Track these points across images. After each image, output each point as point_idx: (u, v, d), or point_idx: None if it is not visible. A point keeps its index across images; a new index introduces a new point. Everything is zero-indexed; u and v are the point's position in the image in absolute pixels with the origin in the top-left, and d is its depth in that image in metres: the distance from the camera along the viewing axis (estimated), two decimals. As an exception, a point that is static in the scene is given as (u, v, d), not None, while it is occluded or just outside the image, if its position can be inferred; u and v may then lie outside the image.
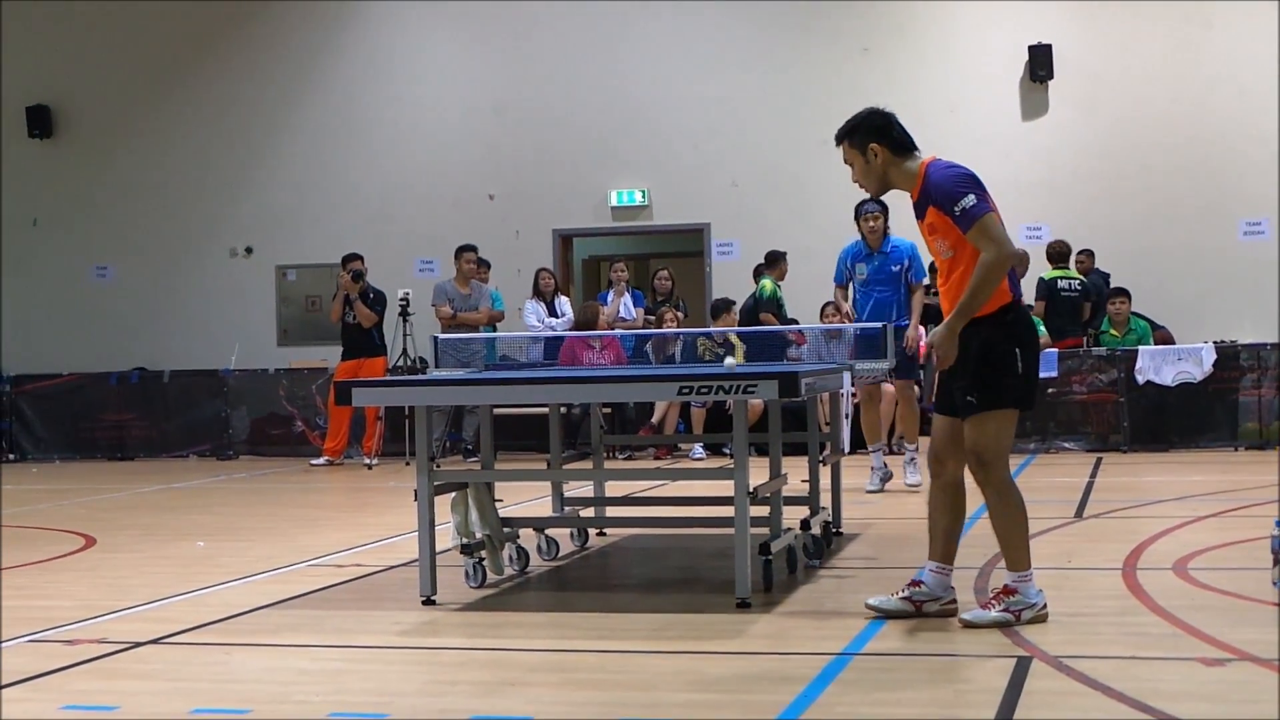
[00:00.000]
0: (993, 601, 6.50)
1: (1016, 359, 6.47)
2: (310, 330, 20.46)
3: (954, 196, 6.42)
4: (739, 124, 19.50)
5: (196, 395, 18.57)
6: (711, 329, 16.11)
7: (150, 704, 5.47)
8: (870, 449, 12.43)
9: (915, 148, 6.69)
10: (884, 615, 6.65)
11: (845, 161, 6.78)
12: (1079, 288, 17.14)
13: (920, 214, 6.62)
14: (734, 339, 15.56)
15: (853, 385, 11.26)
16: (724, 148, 19.55)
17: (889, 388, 12.99)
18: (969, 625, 6.42)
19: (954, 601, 6.70)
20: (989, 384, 6.44)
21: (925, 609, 6.66)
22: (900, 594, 6.73)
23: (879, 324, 10.51)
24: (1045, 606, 6.51)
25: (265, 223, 20.93)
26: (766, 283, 17.13)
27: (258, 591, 7.95)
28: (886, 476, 12.17)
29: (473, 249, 17.32)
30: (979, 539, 7.53)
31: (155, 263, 21.17)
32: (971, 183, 6.49)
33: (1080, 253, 17.81)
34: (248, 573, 8.60)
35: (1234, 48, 18.63)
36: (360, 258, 16.82)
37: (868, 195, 7.26)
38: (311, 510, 12.60)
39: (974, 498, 6.78)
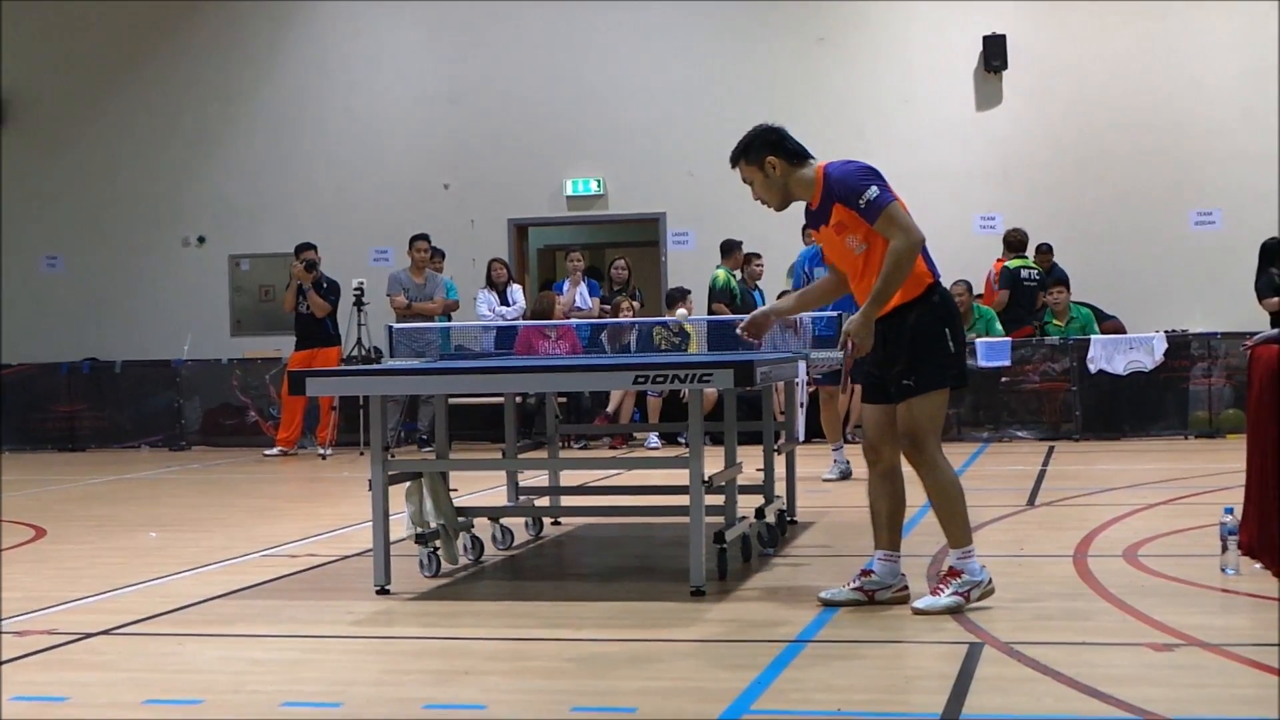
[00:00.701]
0: (940, 586, 6.57)
1: (947, 338, 6.59)
2: (264, 320, 20.36)
3: (858, 190, 6.51)
4: (695, 113, 19.50)
5: (149, 385, 18.49)
6: (667, 318, 16.12)
7: (102, 695, 5.45)
8: (831, 448, 12.40)
9: (810, 156, 6.76)
10: (836, 606, 6.69)
11: (744, 181, 6.84)
12: (1037, 277, 17.26)
13: (824, 218, 6.68)
14: (688, 327, 15.58)
15: (807, 375, 11.26)
16: (680, 137, 19.54)
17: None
18: (922, 613, 6.47)
19: (905, 588, 6.75)
20: (925, 365, 6.53)
21: (878, 597, 6.71)
22: (851, 585, 6.78)
23: (835, 313, 10.54)
24: (991, 581, 6.60)
25: (219, 212, 20.80)
26: (720, 273, 17.14)
27: (210, 582, 7.93)
28: (846, 472, 12.17)
29: (425, 238, 17.30)
30: (929, 527, 7.56)
31: (107, 252, 21.02)
32: (872, 175, 6.59)
33: (1039, 247, 17.88)
34: (200, 563, 8.57)
35: (1187, 39, 18.73)
36: (314, 247, 16.77)
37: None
38: (265, 500, 12.56)
39: (917, 489, 6.83)
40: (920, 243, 6.49)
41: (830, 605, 6.71)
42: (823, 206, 6.64)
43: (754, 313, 7.15)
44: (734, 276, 17.11)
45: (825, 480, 12.05)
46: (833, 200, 6.58)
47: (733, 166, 6.85)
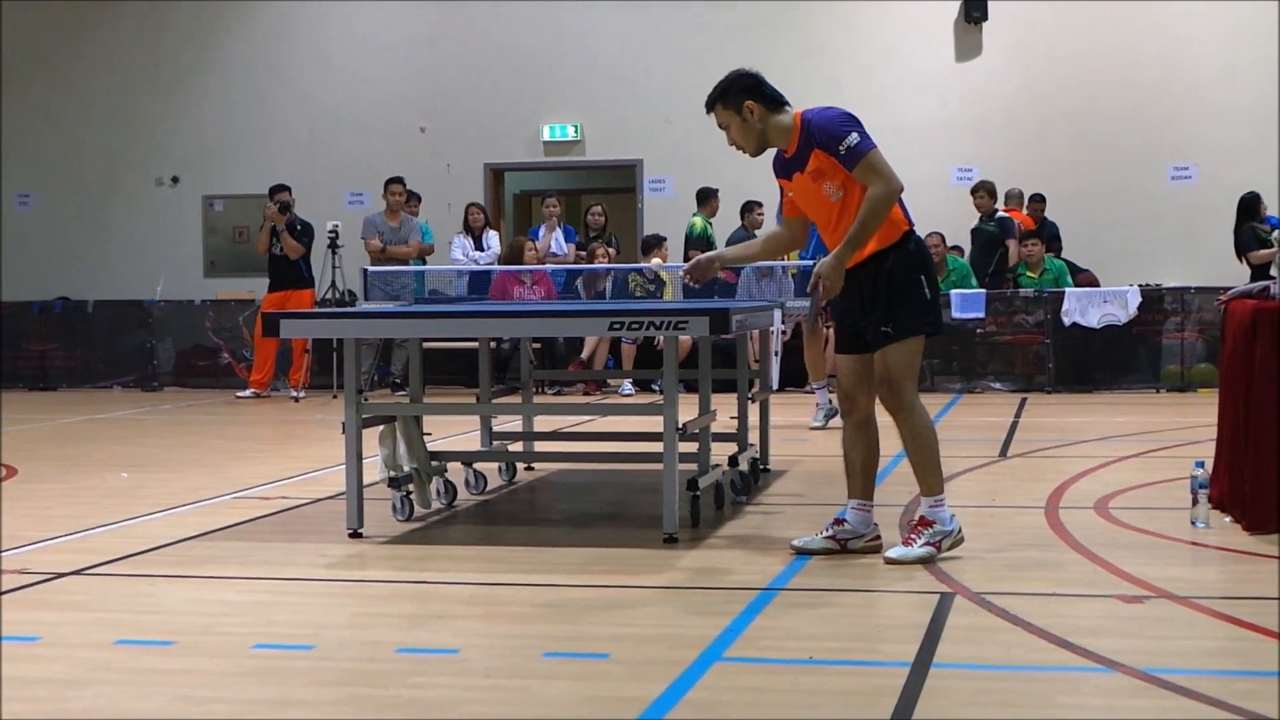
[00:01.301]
0: (912, 536, 6.59)
1: (923, 285, 6.60)
2: (237, 262, 20.29)
3: (838, 136, 6.49)
4: (673, 61, 19.42)
5: (121, 326, 18.43)
6: (643, 264, 16.10)
7: (73, 635, 5.44)
8: (814, 386, 12.28)
9: (786, 102, 6.73)
10: (809, 554, 6.71)
11: (720, 126, 6.79)
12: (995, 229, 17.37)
13: (799, 165, 6.64)
14: (663, 274, 15.56)
15: (783, 323, 11.25)
16: (657, 84, 19.47)
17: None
18: (894, 563, 6.49)
19: (878, 538, 6.77)
20: (902, 312, 6.54)
21: (850, 546, 6.73)
22: (824, 533, 6.80)
23: (813, 260, 10.54)
24: (961, 531, 6.63)
25: (193, 152, 20.70)
26: (697, 220, 17.13)
27: (182, 523, 7.92)
28: (832, 413, 11.98)
29: (400, 181, 17.22)
30: (902, 476, 7.58)
31: (79, 192, 20.91)
32: (852, 121, 6.57)
33: (1033, 197, 17.91)
34: (172, 504, 8.55)
35: (1166, -7, 18.73)
36: (288, 189, 16.69)
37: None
38: (237, 442, 12.53)
39: (891, 438, 6.84)
40: (899, 191, 6.48)
41: (803, 553, 6.73)
42: (800, 153, 6.61)
43: (700, 257, 7.09)
44: (710, 224, 17.08)
45: (813, 428, 12.02)
46: (812, 146, 6.55)
47: (708, 111, 6.81)
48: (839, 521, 6.79)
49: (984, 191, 17.26)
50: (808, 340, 12.36)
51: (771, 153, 6.84)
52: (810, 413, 12.33)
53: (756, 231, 17.06)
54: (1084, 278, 17.29)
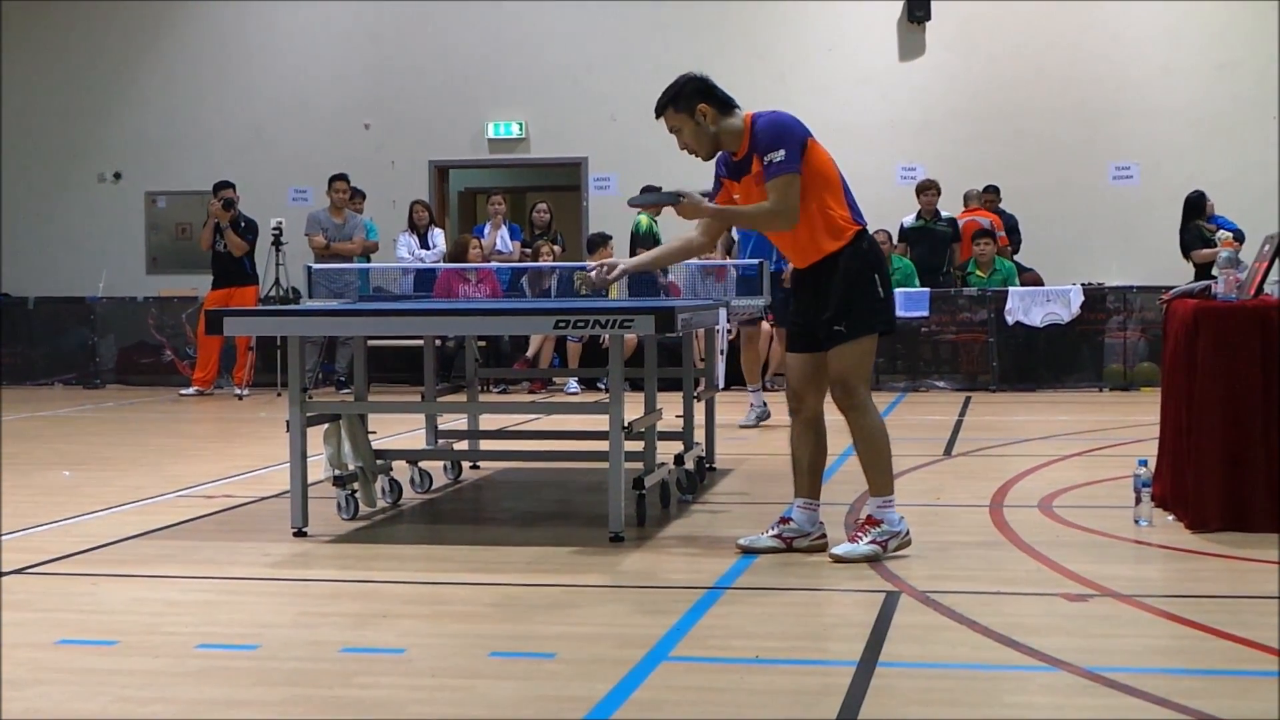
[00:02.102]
0: (858, 534, 6.61)
1: (876, 283, 6.62)
2: (180, 258, 20.15)
3: (771, 147, 6.54)
4: (618, 58, 19.42)
5: (63, 322, 18.28)
6: (588, 263, 16.05)
7: (15, 635, 5.38)
8: (749, 389, 12.38)
9: (736, 105, 6.75)
10: (755, 553, 6.72)
11: (671, 130, 6.77)
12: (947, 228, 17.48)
13: (747, 167, 6.68)
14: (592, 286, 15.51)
15: (729, 323, 11.27)
16: (603, 82, 19.46)
17: (766, 326, 13.00)
18: (840, 560, 6.51)
19: (823, 536, 6.79)
20: (855, 311, 6.57)
21: (795, 545, 6.75)
22: (770, 532, 6.81)
23: (756, 260, 10.56)
24: (909, 533, 6.65)
25: (135, 148, 20.54)
26: (642, 218, 17.10)
27: (125, 522, 7.86)
28: (764, 415, 12.22)
29: (344, 178, 17.16)
30: (850, 475, 7.61)
31: (20, 187, 20.71)
32: (791, 137, 6.56)
33: (987, 188, 17.99)
34: (115, 503, 8.49)
35: (1108, -7, 18.85)
36: (232, 185, 16.60)
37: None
38: (180, 440, 12.45)
39: (839, 437, 6.86)
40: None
41: (749, 552, 6.74)
42: (747, 156, 6.64)
43: (604, 262, 7.01)
44: (655, 222, 17.05)
45: (742, 427, 12.06)
46: (755, 150, 6.58)
47: (658, 116, 6.80)
48: (785, 520, 6.80)
49: (932, 190, 17.34)
50: (744, 344, 12.38)
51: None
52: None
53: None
54: (1028, 276, 17.37)
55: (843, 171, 6.65)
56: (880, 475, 6.66)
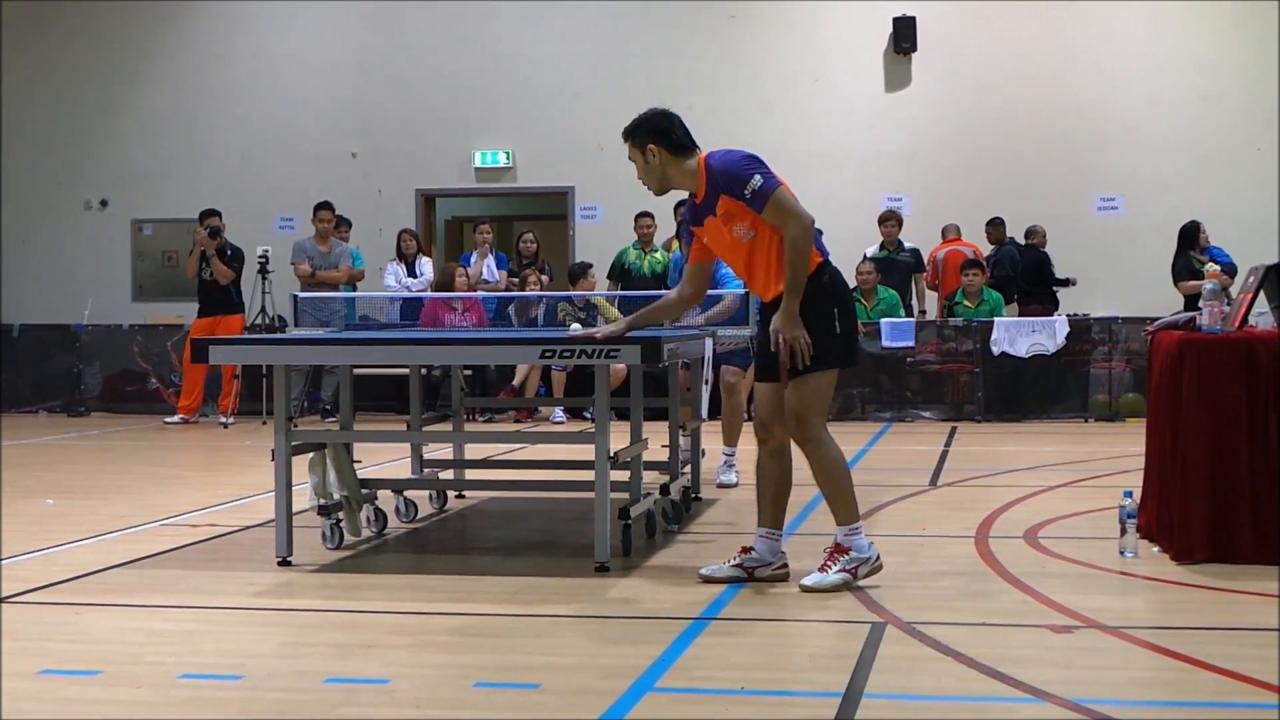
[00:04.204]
0: (828, 563, 6.60)
1: (834, 318, 6.59)
2: (167, 286, 20.13)
3: (742, 179, 6.51)
4: (605, 87, 19.45)
5: (48, 350, 18.25)
6: (573, 293, 16.08)
7: (-3, 664, 5.37)
8: (724, 450, 10.67)
9: (695, 147, 6.76)
10: (716, 583, 6.72)
11: (629, 159, 6.83)
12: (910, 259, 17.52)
13: (709, 210, 6.68)
14: (597, 300, 15.55)
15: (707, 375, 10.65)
16: (589, 111, 19.49)
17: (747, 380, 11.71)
18: (810, 590, 6.50)
19: (785, 566, 6.80)
20: (811, 346, 6.52)
21: (757, 575, 6.76)
22: (732, 561, 6.83)
23: (741, 290, 10.48)
24: (879, 558, 6.66)
25: (122, 175, 20.54)
26: (630, 250, 17.11)
27: (109, 550, 7.84)
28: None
29: (328, 206, 17.18)
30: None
31: (6, 214, 20.70)
32: (754, 162, 6.59)
33: (990, 221, 18.01)
34: (99, 531, 8.46)
35: (1093, 25, 18.93)
36: (218, 214, 16.59)
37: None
38: (165, 469, 12.42)
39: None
40: (811, 223, 6.51)
41: (710, 581, 6.74)
42: (708, 199, 6.65)
43: (611, 328, 7.00)
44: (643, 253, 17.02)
45: (720, 487, 10.50)
46: (718, 192, 6.59)
47: (624, 142, 6.85)
48: (746, 550, 6.81)
49: (893, 221, 17.36)
50: (725, 396, 10.76)
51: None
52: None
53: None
54: (1011, 307, 17.36)
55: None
56: (844, 505, 6.65)
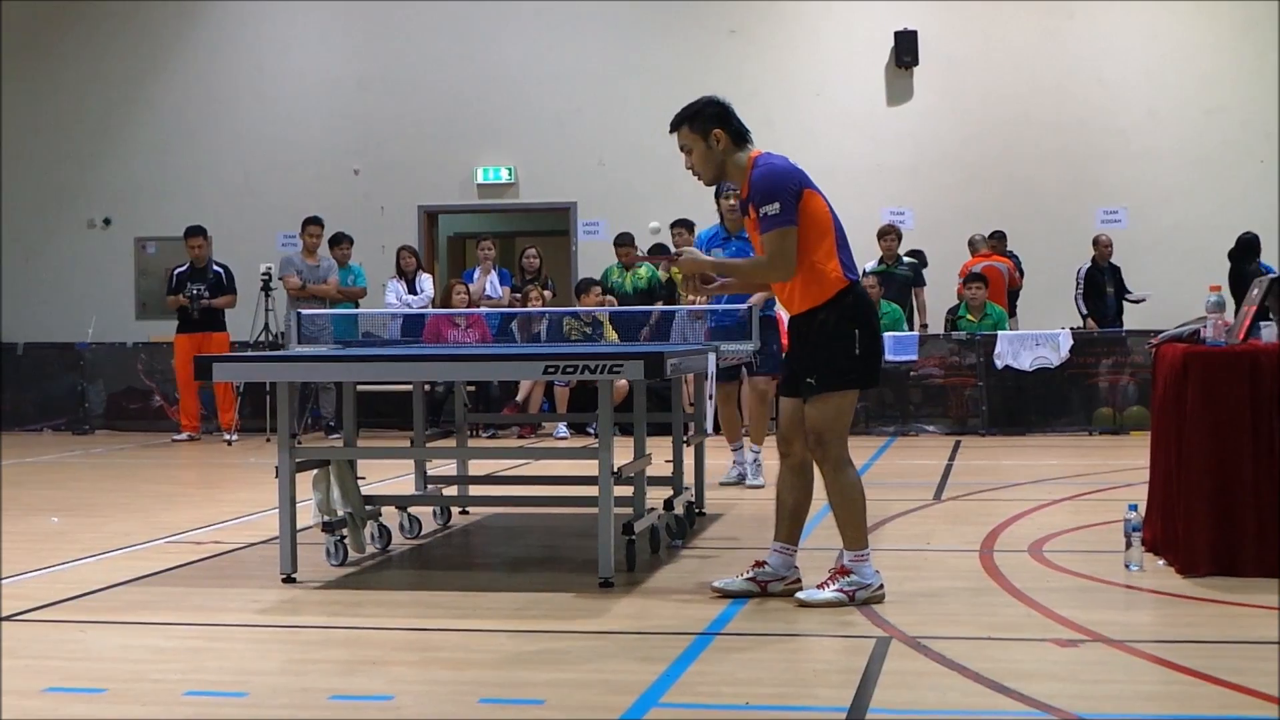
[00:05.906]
0: (828, 581, 6.59)
1: (855, 340, 6.57)
2: (170, 304, 20.12)
3: (765, 199, 6.52)
4: (606, 103, 19.49)
5: (51, 368, 18.26)
6: (578, 308, 16.08)
7: (2, 682, 5.36)
8: (731, 448, 11.43)
9: (750, 140, 6.77)
10: (729, 596, 6.71)
11: (681, 148, 6.81)
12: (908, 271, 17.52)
13: (745, 210, 6.74)
14: (600, 317, 15.56)
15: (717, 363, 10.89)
16: (591, 127, 19.52)
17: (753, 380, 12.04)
18: (804, 604, 6.50)
19: (798, 581, 6.78)
20: (829, 365, 6.54)
21: (770, 589, 6.74)
22: (745, 575, 6.82)
23: (742, 306, 10.47)
24: (881, 587, 6.63)
25: (125, 194, 20.57)
26: (614, 269, 17.10)
27: (114, 568, 7.83)
28: (744, 476, 11.29)
29: (318, 221, 17.20)
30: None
31: (10, 233, 20.74)
32: (786, 190, 6.53)
33: (992, 235, 18.02)
34: (103, 549, 8.46)
35: (1095, 38, 18.96)
36: (203, 231, 16.66)
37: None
38: (169, 486, 12.42)
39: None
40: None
41: (724, 595, 6.73)
42: (749, 198, 6.66)
43: (695, 261, 6.97)
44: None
45: (723, 484, 11.17)
46: (751, 199, 6.61)
47: (671, 131, 6.82)
48: (759, 563, 6.80)
49: (892, 235, 17.36)
50: (721, 403, 11.04)
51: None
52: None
53: None
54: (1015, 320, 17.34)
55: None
56: (854, 530, 6.63)
